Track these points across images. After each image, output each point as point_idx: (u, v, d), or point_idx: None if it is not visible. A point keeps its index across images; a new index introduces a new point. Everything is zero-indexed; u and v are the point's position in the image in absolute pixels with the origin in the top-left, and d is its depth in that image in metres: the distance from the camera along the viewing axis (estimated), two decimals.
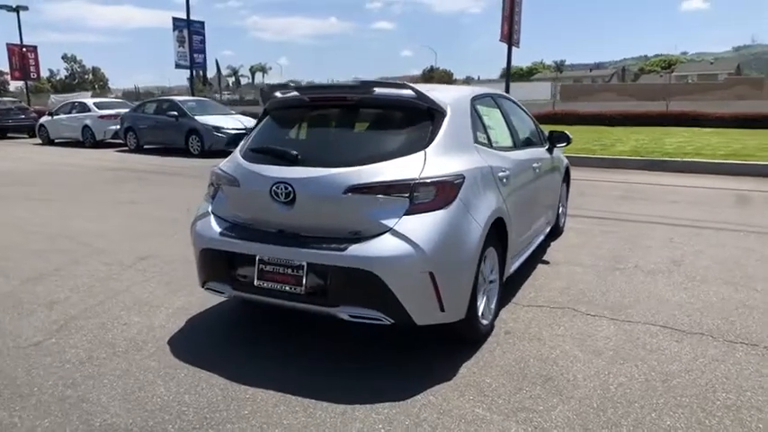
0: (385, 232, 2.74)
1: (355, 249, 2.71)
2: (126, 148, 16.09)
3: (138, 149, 15.71)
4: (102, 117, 17.25)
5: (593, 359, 3.04)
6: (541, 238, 4.73)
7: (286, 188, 2.88)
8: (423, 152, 2.90)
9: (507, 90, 20.92)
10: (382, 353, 3.16)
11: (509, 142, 3.96)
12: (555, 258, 4.90)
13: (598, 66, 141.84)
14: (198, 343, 3.35)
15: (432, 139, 2.97)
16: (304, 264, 2.84)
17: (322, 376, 2.90)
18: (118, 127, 16.49)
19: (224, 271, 3.10)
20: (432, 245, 2.70)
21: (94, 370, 3.00)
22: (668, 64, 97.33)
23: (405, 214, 2.75)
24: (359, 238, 2.78)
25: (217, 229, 3.13)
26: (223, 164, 3.35)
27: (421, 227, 2.73)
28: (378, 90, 3.11)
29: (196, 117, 14.14)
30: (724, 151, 11.34)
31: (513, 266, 3.74)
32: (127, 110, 17.18)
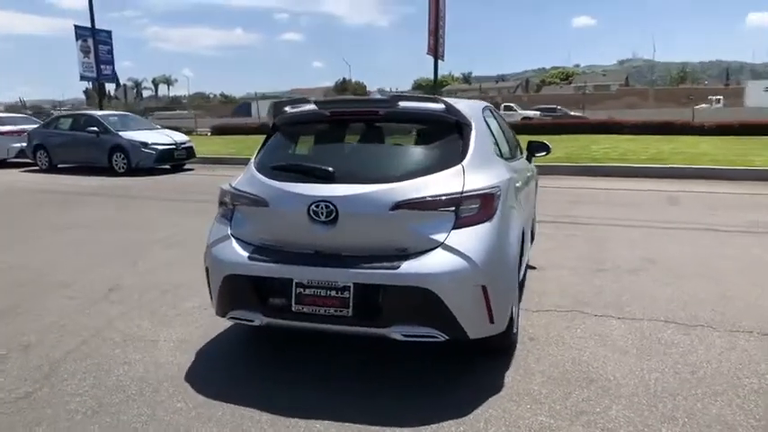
0: (436, 247, 2.71)
1: (409, 266, 2.66)
2: (35, 168, 14.74)
3: (52, 169, 14.42)
4: (3, 134, 15.70)
5: (621, 358, 3.18)
6: (532, 244, 4.90)
7: (327, 207, 2.77)
8: (460, 166, 2.91)
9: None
10: (420, 367, 3.12)
11: (508, 153, 4.07)
12: (538, 263, 5.07)
13: (503, 78, 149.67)
14: (218, 376, 3.13)
15: (465, 153, 2.99)
16: (350, 284, 2.74)
17: (368, 399, 2.81)
18: (23, 144, 15.06)
19: (253, 298, 2.93)
20: (483, 258, 2.71)
21: (113, 419, 2.70)
22: (566, 76, 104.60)
23: (453, 228, 2.74)
24: (406, 254, 2.73)
25: (243, 253, 2.95)
26: (239, 182, 3.16)
27: (470, 240, 2.73)
28: (403, 104, 3.09)
29: (120, 133, 13.25)
30: (645, 156, 12.35)
31: (521, 273, 3.84)
32: (34, 126, 15.77)
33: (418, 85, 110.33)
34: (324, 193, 2.81)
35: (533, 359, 3.19)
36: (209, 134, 27.01)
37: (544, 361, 3.16)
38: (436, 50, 20.03)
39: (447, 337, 2.73)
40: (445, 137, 3.07)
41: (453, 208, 2.76)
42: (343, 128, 3.34)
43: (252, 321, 2.98)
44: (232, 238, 3.05)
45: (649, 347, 3.30)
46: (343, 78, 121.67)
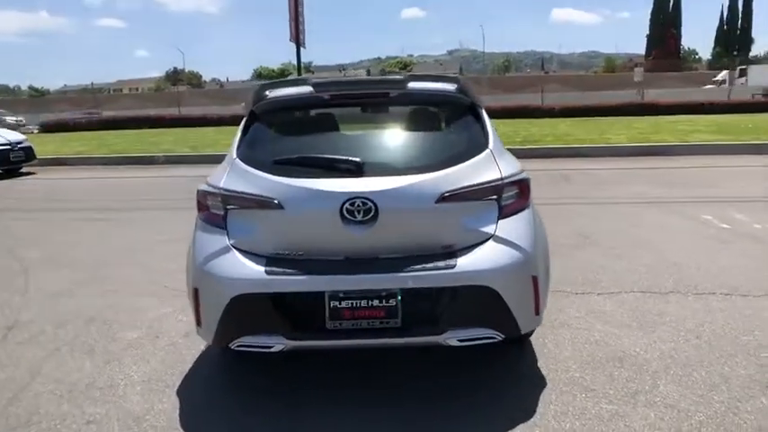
0: (486, 240, 2.49)
1: (466, 264, 2.40)
2: None
3: None
4: None
5: (629, 333, 3.26)
6: None
7: (365, 204, 2.39)
8: (488, 151, 2.70)
9: None
10: (445, 369, 2.89)
11: None
12: None
13: (343, 67, 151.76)
14: (221, 419, 2.58)
15: (486, 136, 2.79)
16: (397, 291, 2.41)
17: (413, 416, 2.52)
18: None
19: (272, 320, 2.44)
20: (532, 248, 2.55)
21: None
22: (404, 65, 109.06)
23: (499, 218, 2.54)
24: (454, 251, 2.47)
25: (255, 267, 2.44)
26: (226, 182, 2.60)
27: (518, 229, 2.55)
28: (414, 84, 2.80)
29: None
30: (519, 138, 13.19)
31: None
32: None
33: (258, 74, 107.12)
34: (359, 188, 2.42)
35: (552, 345, 3.14)
36: (35, 131, 23.24)
37: (564, 346, 3.13)
38: (298, 37, 19.48)
39: (503, 337, 2.54)
40: (463, 120, 2.85)
41: (496, 197, 2.56)
42: (346, 112, 2.93)
43: (269, 348, 2.48)
44: (234, 250, 2.51)
45: (645, 319, 3.44)
46: (175, 68, 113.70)
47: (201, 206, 2.68)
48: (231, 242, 2.53)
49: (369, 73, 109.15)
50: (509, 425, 2.41)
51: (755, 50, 63.76)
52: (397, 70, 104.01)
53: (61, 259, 5.22)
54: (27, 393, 2.84)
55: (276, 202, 2.46)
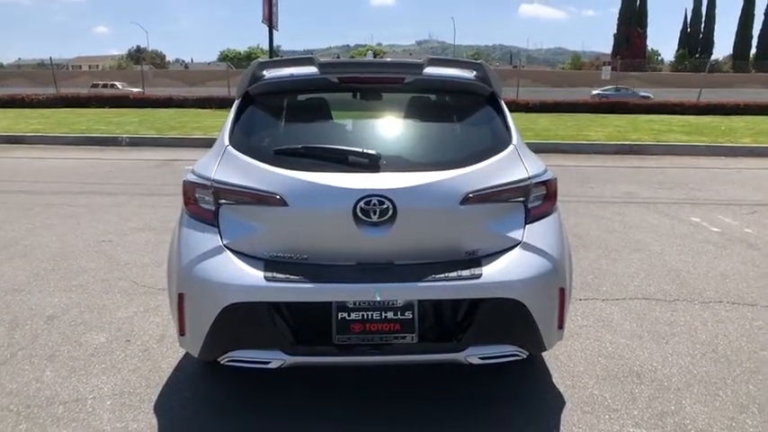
0: (513, 247, 2.23)
1: (493, 273, 2.14)
2: None
3: None
4: None
5: (641, 344, 3.08)
6: None
7: (381, 203, 2.10)
8: (512, 146, 2.44)
9: None
10: (455, 387, 2.64)
11: None
12: None
13: (311, 53, 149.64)
14: None
15: (509, 130, 2.53)
16: (414, 302, 2.13)
17: None
18: None
19: (271, 332, 2.14)
20: (561, 256, 2.31)
21: None
22: (374, 54, 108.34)
23: (527, 222, 2.29)
24: (478, 258, 2.21)
25: (252, 272, 2.13)
26: (218, 172, 2.26)
27: (546, 236, 2.31)
28: (430, 70, 2.52)
29: None
30: (553, 132, 12.86)
31: None
32: None
33: (225, 56, 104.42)
34: (375, 184, 2.12)
35: (564, 357, 2.93)
36: None
37: (577, 358, 2.92)
38: (271, 19, 18.80)
39: (527, 354, 2.30)
40: (483, 111, 2.58)
41: (523, 198, 2.30)
42: (355, 98, 2.61)
43: (266, 363, 2.18)
44: (228, 252, 2.19)
45: (656, 329, 3.27)
46: (138, 47, 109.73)
47: (188, 200, 2.34)
48: (224, 242, 2.20)
49: (338, 59, 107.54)
50: None
51: (716, 53, 65.75)
52: None
53: (16, 250, 4.74)
54: None
55: (278, 197, 2.14)
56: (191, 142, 11.80)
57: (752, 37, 60.69)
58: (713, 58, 60.32)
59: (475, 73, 2.57)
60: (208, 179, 2.27)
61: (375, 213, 2.11)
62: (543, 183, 2.37)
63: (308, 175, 2.16)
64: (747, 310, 3.55)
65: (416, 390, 2.63)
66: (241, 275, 2.12)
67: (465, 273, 2.14)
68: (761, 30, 60.19)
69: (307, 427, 2.35)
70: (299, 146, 2.28)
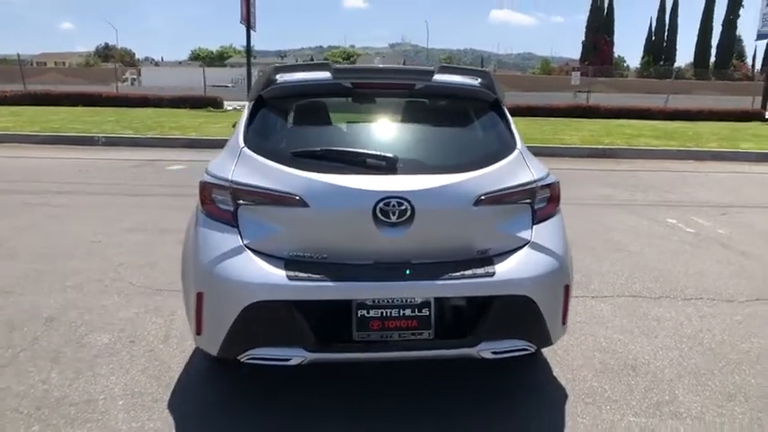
0: (522, 246, 2.35)
1: (505, 272, 2.25)
2: None
3: None
4: None
5: (633, 339, 3.24)
6: None
7: (400, 204, 2.18)
8: (517, 151, 2.56)
9: (249, 74, 20.10)
10: (463, 382, 2.74)
11: None
12: None
13: (284, 54, 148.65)
14: None
15: (513, 135, 2.65)
16: (430, 299, 2.22)
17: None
18: None
19: (291, 330, 2.20)
20: (566, 255, 2.44)
21: None
22: (348, 56, 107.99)
23: (534, 223, 2.41)
24: (489, 257, 2.32)
25: (275, 271, 2.18)
26: (236, 173, 2.31)
27: (552, 236, 2.43)
28: (440, 77, 2.61)
29: None
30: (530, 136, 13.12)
31: None
32: None
33: (196, 56, 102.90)
34: (394, 186, 2.21)
35: (562, 351, 3.06)
36: None
37: (574, 353, 3.06)
38: (249, 20, 18.70)
39: (535, 348, 2.42)
40: (489, 116, 2.69)
41: (530, 200, 2.42)
42: (366, 103, 2.69)
43: (287, 360, 2.24)
44: (248, 251, 2.24)
45: (645, 325, 3.43)
46: (106, 44, 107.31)
47: (205, 200, 2.38)
48: (245, 242, 2.25)
49: (312, 60, 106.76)
50: None
51: (679, 61, 67.92)
52: (340, 60, 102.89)
53: (1, 251, 4.65)
54: None
55: (300, 198, 2.21)
56: (170, 142, 11.66)
57: (711, 46, 62.97)
58: (676, 65, 62.37)
59: (481, 80, 2.68)
60: (226, 180, 2.32)
61: (394, 214, 2.19)
62: (548, 186, 2.49)
63: (329, 177, 2.23)
64: (726, 306, 3.75)
65: (425, 385, 2.72)
66: (264, 274, 2.17)
67: (479, 271, 2.24)
68: (719, 40, 62.50)
69: (316, 423, 2.42)
70: (318, 149, 2.35)
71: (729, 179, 9.32)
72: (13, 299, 3.65)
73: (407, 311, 2.22)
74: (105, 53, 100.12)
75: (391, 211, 2.19)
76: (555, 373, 2.84)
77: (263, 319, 2.18)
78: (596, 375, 2.82)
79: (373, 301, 2.20)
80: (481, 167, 2.37)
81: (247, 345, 2.24)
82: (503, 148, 2.55)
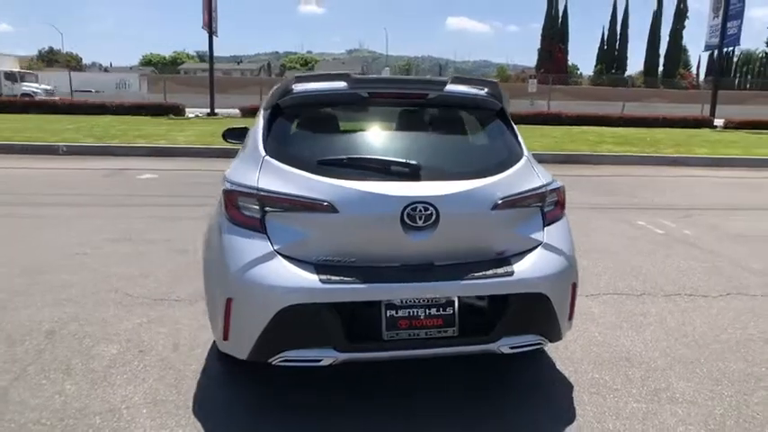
0: (535, 247, 2.51)
1: (523, 271, 2.40)
2: None
3: None
4: None
5: (623, 333, 3.45)
6: None
7: (426, 209, 2.31)
8: (525, 157, 2.74)
9: (211, 79, 19.87)
10: (468, 375, 2.88)
11: None
12: None
13: (239, 59, 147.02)
14: None
15: (519, 143, 2.83)
16: (454, 299, 2.36)
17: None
18: None
19: (323, 331, 2.29)
20: (572, 254, 2.62)
21: None
22: (305, 62, 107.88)
23: (545, 225, 2.58)
24: (506, 258, 2.47)
25: (308, 275, 2.27)
26: (264, 181, 2.39)
27: (560, 237, 2.61)
28: (450, 87, 2.76)
29: None
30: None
31: None
32: None
33: (148, 61, 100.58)
34: (420, 192, 2.33)
35: (562, 347, 3.23)
36: None
37: (572, 347, 3.24)
38: (210, 25, 18.51)
39: (548, 342, 2.58)
40: (496, 125, 2.86)
41: (540, 204, 2.60)
42: (381, 112, 2.81)
43: (318, 361, 2.33)
44: (279, 257, 2.32)
45: (632, 320, 3.66)
46: (50, 47, 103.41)
47: (231, 207, 2.44)
48: (275, 247, 2.33)
49: (269, 66, 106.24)
50: (556, 428, 2.46)
51: (630, 69, 70.94)
52: (298, 66, 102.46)
53: None
54: (6, 426, 2.42)
55: (330, 205, 2.30)
56: (136, 151, 11.45)
57: (659, 56, 66.10)
58: (627, 73, 65.07)
59: (489, 90, 2.84)
60: (252, 188, 2.39)
61: (420, 218, 2.32)
62: (554, 190, 2.67)
63: (358, 184, 2.34)
64: (702, 301, 4.04)
65: (435, 382, 2.85)
66: (297, 278, 2.26)
67: (499, 271, 2.39)
68: (666, 50, 65.73)
69: (335, 422, 2.51)
70: (344, 157, 2.46)
71: (687, 183, 9.87)
72: (6, 314, 3.58)
73: (433, 310, 2.34)
74: (49, 57, 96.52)
75: (418, 215, 2.31)
76: (558, 367, 3.01)
77: (296, 321, 2.26)
78: (596, 367, 3.01)
79: (401, 302, 2.32)
80: (497, 173, 2.52)
81: (280, 347, 2.31)
82: (512, 154, 2.72)
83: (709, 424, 2.52)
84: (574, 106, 26.52)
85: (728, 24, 20.88)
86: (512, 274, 2.38)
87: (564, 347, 3.22)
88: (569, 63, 69.97)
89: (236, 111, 18.75)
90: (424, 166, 2.45)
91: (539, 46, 67.95)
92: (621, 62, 69.22)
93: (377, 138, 2.78)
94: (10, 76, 31.37)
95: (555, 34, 65.89)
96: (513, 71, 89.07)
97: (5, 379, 2.79)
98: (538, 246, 2.52)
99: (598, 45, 70.46)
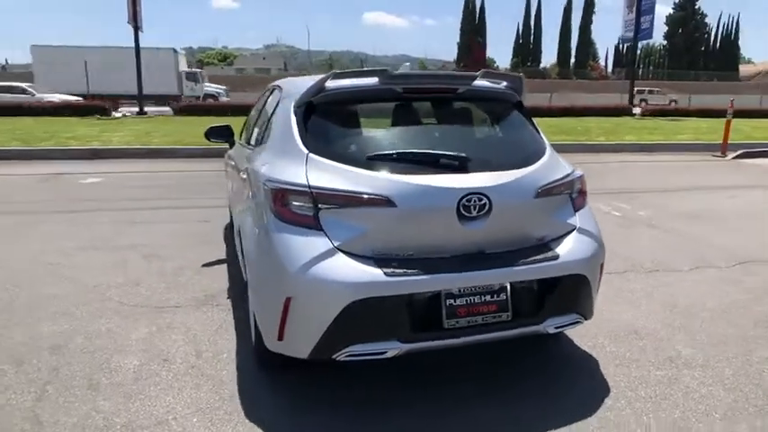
0: (571, 232, 2.67)
1: (565, 254, 2.55)
2: None
3: None
4: None
5: (626, 308, 3.72)
6: None
7: (480, 199, 2.40)
8: (548, 148, 2.89)
9: (139, 75, 18.80)
10: (492, 372, 3.02)
11: None
12: None
13: None
14: None
15: (539, 133, 2.98)
16: (506, 285, 2.46)
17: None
18: None
19: (387, 324, 2.33)
20: (600, 236, 2.80)
21: None
22: (224, 57, 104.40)
23: (575, 211, 2.74)
24: (546, 243, 2.61)
25: (370, 269, 2.29)
26: (314, 178, 2.39)
27: (589, 221, 2.79)
28: (477, 82, 2.86)
29: None
30: None
31: None
32: None
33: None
34: (473, 183, 2.42)
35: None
36: None
37: (586, 324, 3.43)
38: (136, 20, 17.54)
39: (584, 320, 2.75)
40: (519, 117, 2.99)
41: (570, 191, 2.76)
42: (414, 107, 2.85)
43: (383, 353, 2.36)
44: (340, 253, 2.32)
45: (625, 296, 3.94)
46: None
47: (280, 205, 2.41)
48: (335, 244, 2.33)
49: (187, 62, 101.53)
50: (596, 401, 2.63)
51: (544, 62, 74.64)
52: (216, 62, 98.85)
53: None
54: None
55: (388, 199, 2.33)
56: (70, 153, 10.72)
57: (571, 48, 70.02)
58: (542, 66, 68.32)
59: (512, 83, 2.96)
60: (304, 185, 2.37)
61: (475, 209, 2.40)
62: (578, 178, 2.84)
63: (413, 178, 2.38)
64: (678, 275, 4.41)
65: (473, 369, 2.95)
66: (362, 273, 2.28)
67: (546, 255, 2.52)
68: (577, 42, 69.75)
69: (382, 414, 2.56)
70: (394, 151, 2.49)
71: (625, 168, 10.60)
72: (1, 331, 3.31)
73: (488, 297, 2.44)
74: None
75: (473, 206, 2.40)
76: (577, 344, 3.21)
77: (363, 316, 2.29)
78: (611, 342, 3.24)
79: (459, 291, 2.40)
80: (533, 163, 2.65)
81: (345, 342, 2.33)
82: (539, 145, 2.86)
83: (726, 383, 2.80)
84: None
85: (642, 19, 22.56)
86: (557, 257, 2.53)
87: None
88: (488, 57, 72.40)
89: (168, 109, 17.90)
90: (471, 158, 2.53)
91: (458, 40, 69.82)
92: (536, 55, 72.70)
93: (417, 132, 2.83)
94: None
95: (473, 29, 67.98)
96: (434, 66, 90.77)
97: (28, 399, 2.60)
98: (573, 230, 2.68)
99: (514, 39, 73.41)
